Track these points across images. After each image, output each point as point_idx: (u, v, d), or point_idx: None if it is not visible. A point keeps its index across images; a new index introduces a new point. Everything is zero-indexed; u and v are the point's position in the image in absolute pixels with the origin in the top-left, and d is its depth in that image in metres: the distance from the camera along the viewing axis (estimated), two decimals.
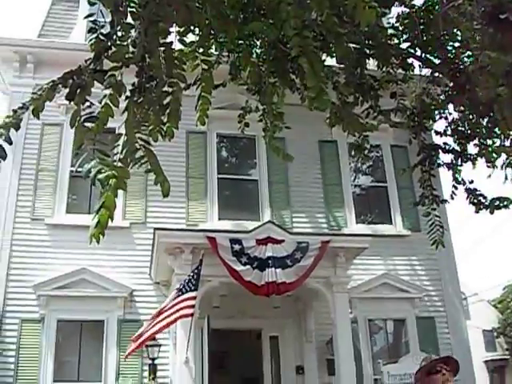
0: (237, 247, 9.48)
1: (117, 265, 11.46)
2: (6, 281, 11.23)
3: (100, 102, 3.83)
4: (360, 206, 13.61)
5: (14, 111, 3.97)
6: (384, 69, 9.13)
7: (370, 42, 8.32)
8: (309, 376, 11.53)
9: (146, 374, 10.85)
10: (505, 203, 9.50)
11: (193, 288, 8.82)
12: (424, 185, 11.00)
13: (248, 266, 9.42)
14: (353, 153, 10.39)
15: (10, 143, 3.79)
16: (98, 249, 10.94)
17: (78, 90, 4.01)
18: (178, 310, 8.58)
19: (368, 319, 12.52)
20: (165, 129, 4.25)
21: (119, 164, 3.66)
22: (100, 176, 3.45)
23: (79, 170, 3.64)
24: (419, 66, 9.86)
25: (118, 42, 4.16)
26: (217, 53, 9.95)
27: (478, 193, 10.24)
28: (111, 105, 3.81)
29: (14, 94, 12.28)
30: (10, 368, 10.71)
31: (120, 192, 3.57)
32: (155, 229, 9.95)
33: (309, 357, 11.64)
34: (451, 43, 8.82)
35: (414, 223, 13.37)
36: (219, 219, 12.36)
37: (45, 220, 11.80)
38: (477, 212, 11.00)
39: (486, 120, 9.63)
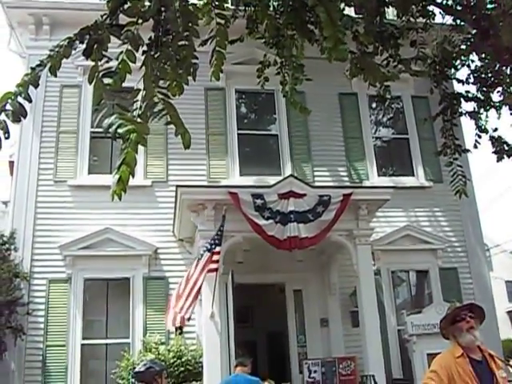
0: (259, 202, 9.50)
1: (140, 223, 11.59)
2: (33, 242, 11.42)
3: (117, 59, 3.80)
4: (381, 158, 13.52)
5: (32, 69, 3.95)
6: (404, 17, 8.95)
7: None
8: (333, 328, 11.64)
9: (172, 329, 11.03)
10: None
11: (217, 243, 8.90)
12: (446, 134, 10.91)
13: (270, 221, 9.45)
14: (374, 104, 10.28)
15: (30, 101, 3.78)
16: (122, 208, 11.20)
17: (95, 46, 3.98)
18: (204, 268, 8.67)
19: (391, 271, 12.57)
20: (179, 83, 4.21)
21: (138, 120, 3.65)
22: (120, 130, 3.44)
23: (100, 126, 3.66)
24: (440, 13, 9.65)
25: None
26: (233, 7, 9.82)
27: (502, 141, 10.12)
28: (128, 61, 3.79)
29: (31, 57, 12.26)
30: (40, 327, 10.98)
31: (140, 150, 3.57)
32: (177, 186, 9.98)
33: (332, 309, 11.74)
34: None
35: (436, 174, 13.28)
36: (240, 175, 12.37)
37: (67, 182, 11.92)
38: (499, 161, 10.90)
39: (509, 67, 9.46)
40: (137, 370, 5.96)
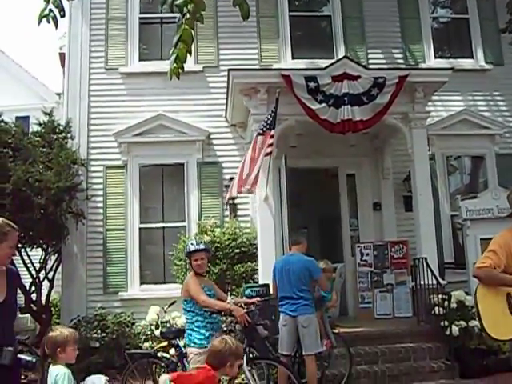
0: (312, 85, 9.31)
1: (192, 109, 11.58)
2: (88, 130, 11.63)
3: None
4: (439, 39, 12.94)
5: None
6: None
7: None
8: (386, 212, 11.69)
9: (226, 213, 11.28)
10: None
11: (270, 127, 8.84)
12: None
13: (324, 104, 9.30)
14: None
15: None
16: (174, 94, 11.23)
17: None
18: (260, 150, 8.66)
19: (446, 156, 12.38)
20: None
21: None
22: (178, 1, 3.34)
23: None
24: None
25: None
26: None
27: None
28: None
29: None
30: (100, 212, 11.38)
31: None
32: (229, 69, 9.83)
33: (386, 194, 11.74)
34: None
35: (497, 56, 12.73)
36: (292, 58, 12.06)
37: (119, 69, 11.89)
38: None
39: None
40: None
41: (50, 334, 4.04)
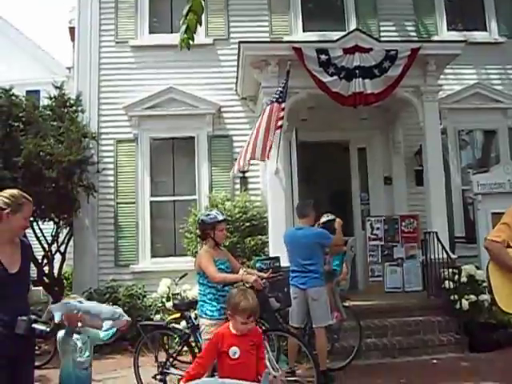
0: (323, 58, 9.24)
1: (203, 82, 11.51)
2: (98, 104, 11.61)
3: None
4: (452, 11, 12.69)
5: None
6: None
7: None
8: (397, 186, 11.66)
9: (237, 186, 11.30)
10: None
11: (281, 100, 8.79)
12: None
13: (335, 77, 9.23)
14: None
15: None
16: (184, 68, 11.20)
17: None
18: (269, 121, 8.60)
19: (458, 130, 12.28)
20: None
21: None
22: None
23: None
24: None
25: None
26: None
27: None
28: None
29: None
30: (110, 186, 11.43)
31: None
32: (240, 42, 9.75)
33: (397, 168, 11.70)
34: None
35: (511, 29, 12.51)
36: (304, 31, 11.93)
37: (129, 42, 11.83)
38: None
39: None
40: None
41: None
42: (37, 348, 6.44)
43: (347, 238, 8.86)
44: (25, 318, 3.68)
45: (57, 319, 4.18)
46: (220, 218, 5.98)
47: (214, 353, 3.92)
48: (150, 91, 11.42)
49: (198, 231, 6.59)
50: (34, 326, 3.71)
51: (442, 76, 10.45)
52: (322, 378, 5.61)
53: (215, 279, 5.73)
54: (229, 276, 5.90)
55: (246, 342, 3.93)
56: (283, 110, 8.75)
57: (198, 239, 10.41)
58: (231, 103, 11.64)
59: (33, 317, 3.75)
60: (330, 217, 7.97)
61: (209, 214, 6.10)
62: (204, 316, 5.71)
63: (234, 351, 3.86)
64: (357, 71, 9.26)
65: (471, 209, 11.42)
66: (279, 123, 8.67)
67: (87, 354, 4.39)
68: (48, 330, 3.77)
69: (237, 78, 10.94)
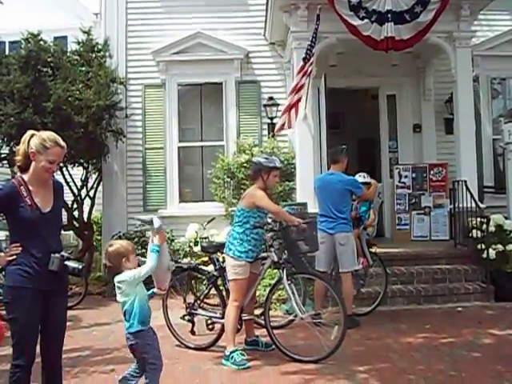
0: (354, 1, 8.97)
1: (231, 27, 11.34)
2: (126, 49, 11.56)
3: None
4: None
5: None
6: None
7: None
8: (426, 134, 11.54)
9: (265, 132, 11.26)
10: None
11: (310, 47, 8.67)
12: None
13: (366, 20, 8.97)
14: None
15: None
16: (212, 12, 11.06)
17: None
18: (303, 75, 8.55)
19: (490, 78, 12.01)
20: None
21: None
22: None
23: None
24: None
25: None
26: None
27: None
28: None
29: None
30: (139, 131, 11.48)
31: None
32: None
33: (426, 115, 11.56)
34: None
35: None
36: None
37: None
38: None
39: None
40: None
41: (111, 248, 4.27)
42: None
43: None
44: (58, 255, 3.76)
45: (156, 225, 4.37)
46: (278, 164, 6.00)
47: None
48: (177, 36, 11.33)
49: (250, 171, 6.52)
50: (67, 263, 3.79)
51: (475, 22, 10.13)
52: (347, 322, 5.65)
53: (278, 213, 5.89)
54: (286, 214, 6.02)
55: None
56: (313, 55, 8.64)
57: (226, 184, 10.52)
58: (259, 48, 11.51)
59: (65, 254, 3.84)
60: (367, 179, 7.94)
61: (267, 158, 6.07)
62: (232, 255, 5.77)
63: None
64: (389, 15, 8.99)
65: (501, 159, 11.25)
66: (309, 69, 8.58)
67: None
68: (80, 267, 3.86)
69: (265, 22, 10.75)
